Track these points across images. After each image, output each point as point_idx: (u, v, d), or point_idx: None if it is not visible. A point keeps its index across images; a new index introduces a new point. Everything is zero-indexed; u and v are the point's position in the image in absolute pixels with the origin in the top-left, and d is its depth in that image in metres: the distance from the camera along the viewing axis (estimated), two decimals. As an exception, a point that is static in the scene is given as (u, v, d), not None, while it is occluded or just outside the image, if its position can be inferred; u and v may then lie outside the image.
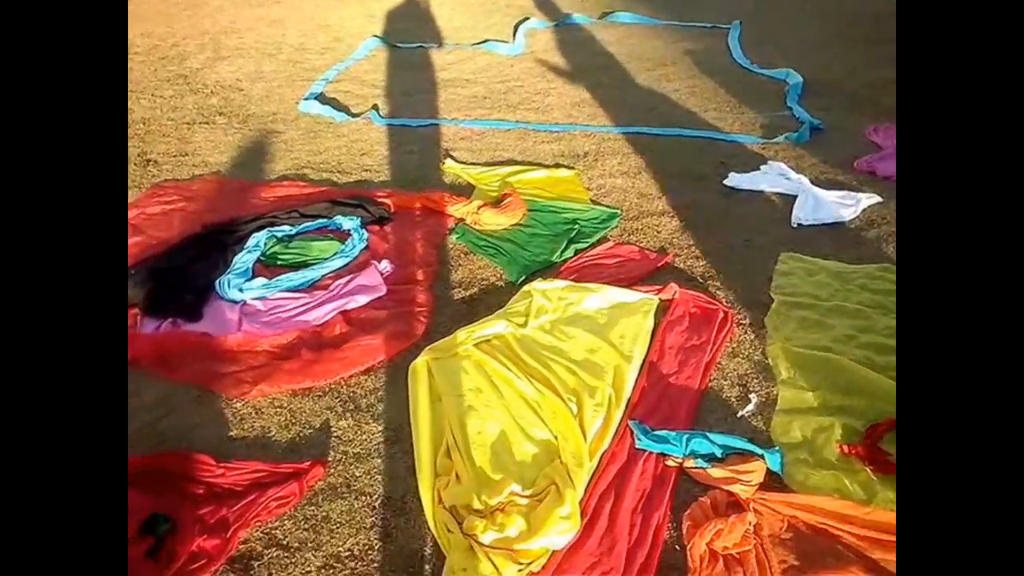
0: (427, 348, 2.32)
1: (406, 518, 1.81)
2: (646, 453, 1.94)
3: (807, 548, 1.68)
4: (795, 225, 3.12)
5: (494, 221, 3.13)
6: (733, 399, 2.17)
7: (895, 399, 2.08)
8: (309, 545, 1.75)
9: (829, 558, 1.65)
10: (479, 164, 3.70)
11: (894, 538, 1.68)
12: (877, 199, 3.26)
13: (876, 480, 1.85)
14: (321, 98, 4.55)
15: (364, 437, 2.06)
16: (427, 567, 1.69)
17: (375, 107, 4.38)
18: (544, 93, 4.62)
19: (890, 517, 1.73)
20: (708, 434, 1.97)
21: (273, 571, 1.69)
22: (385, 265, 2.82)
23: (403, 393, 2.19)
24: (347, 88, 4.76)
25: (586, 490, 1.84)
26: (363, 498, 1.87)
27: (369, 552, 1.73)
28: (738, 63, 5.09)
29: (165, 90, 4.70)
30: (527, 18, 6.12)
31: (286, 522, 1.81)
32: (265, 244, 2.94)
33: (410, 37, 5.75)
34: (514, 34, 5.74)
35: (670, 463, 1.91)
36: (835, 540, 1.70)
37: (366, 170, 3.69)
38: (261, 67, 5.13)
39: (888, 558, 1.65)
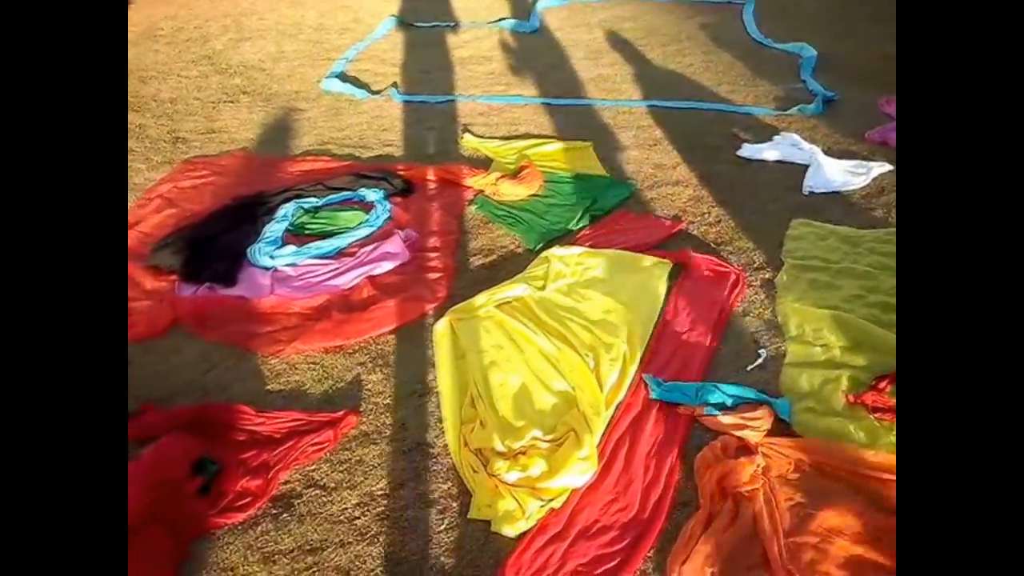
0: (450, 310, 2.44)
1: (435, 461, 1.94)
2: (660, 403, 2.05)
3: (812, 487, 1.78)
4: (807, 193, 3.19)
5: (512, 192, 3.23)
6: (744, 354, 2.27)
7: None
8: (345, 485, 1.88)
9: (833, 495, 1.75)
10: (497, 138, 3.80)
11: (894, 480, 1.78)
12: (888, 167, 3.31)
13: (880, 426, 1.95)
14: (342, 77, 4.65)
15: (393, 390, 2.19)
16: (455, 504, 1.82)
17: (395, 85, 4.48)
18: (559, 68, 4.69)
19: (891, 460, 1.83)
20: (719, 385, 2.07)
21: (313, 508, 1.82)
22: (408, 233, 2.94)
23: (429, 351, 2.32)
24: (367, 67, 4.86)
25: (603, 436, 1.95)
26: (394, 443, 1.99)
27: (401, 491, 1.85)
28: (752, 38, 5.13)
29: (190, 71, 4.83)
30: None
31: (323, 465, 1.94)
32: (293, 215, 3.07)
33: (427, 16, 5.83)
34: (530, 12, 5.80)
35: (682, 411, 2.02)
36: (839, 480, 1.80)
37: (387, 145, 3.79)
38: (282, 47, 5.24)
39: (890, 495, 1.75)
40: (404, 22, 5.69)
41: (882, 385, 2.07)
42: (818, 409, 2.02)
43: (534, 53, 4.99)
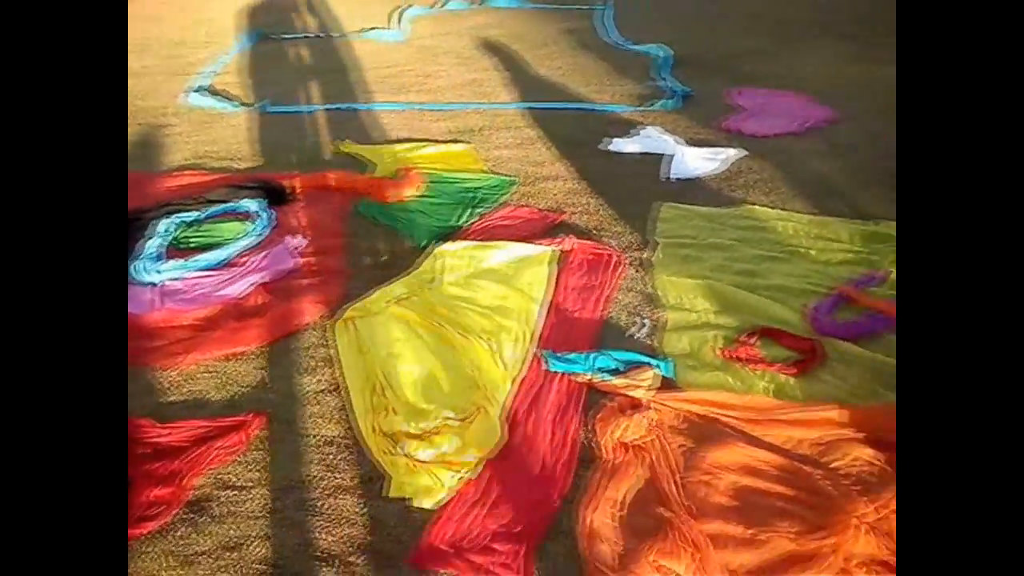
0: (347, 308, 2.49)
1: (348, 451, 1.98)
2: (557, 375, 2.19)
3: (699, 433, 1.97)
4: (672, 179, 3.45)
5: (395, 193, 3.30)
6: (628, 324, 2.46)
7: (761, 312, 2.44)
8: (260, 483, 1.89)
9: (717, 438, 1.95)
10: (375, 143, 3.85)
11: (769, 417, 2.01)
12: (742, 153, 3.65)
13: (752, 375, 2.18)
14: (209, 90, 4.55)
15: (297, 389, 2.21)
16: (372, 488, 1.87)
17: (265, 97, 4.44)
18: (432, 76, 4.80)
19: (764, 402, 2.07)
20: (609, 352, 2.24)
21: (230, 508, 1.82)
22: (297, 240, 2.94)
23: (330, 349, 2.35)
24: (234, 79, 4.78)
25: (508, 408, 2.07)
26: (304, 439, 2.02)
27: (317, 481, 1.89)
28: (612, 41, 5.45)
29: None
30: (410, 5, 6.27)
31: (235, 468, 1.94)
32: (175, 229, 3.00)
33: (293, 28, 5.79)
34: (398, 21, 5.88)
35: (578, 379, 2.17)
36: (721, 424, 2.01)
37: (263, 156, 3.76)
38: (143, 62, 5.05)
39: (766, 432, 1.97)
40: (269, 35, 5.63)
41: (750, 340, 2.31)
42: (697, 366, 2.23)
43: (405, 61, 5.08)
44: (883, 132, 3.81)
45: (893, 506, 1.73)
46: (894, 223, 2.95)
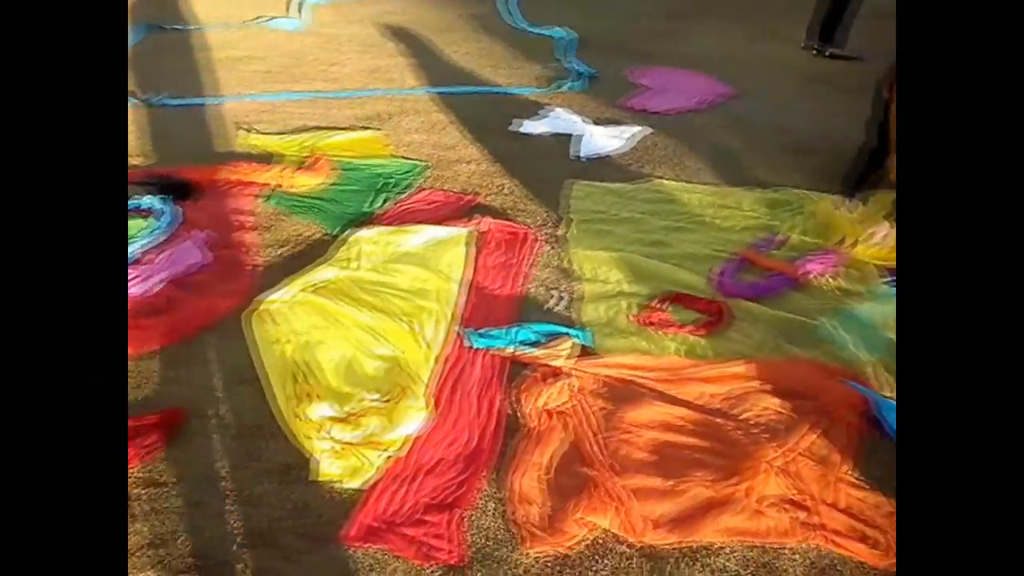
0: (260, 299, 2.45)
1: (271, 440, 1.97)
2: (480, 351, 2.23)
3: (617, 395, 2.05)
4: (581, 158, 3.54)
5: (305, 182, 3.25)
6: (546, 298, 2.52)
7: (670, 279, 2.56)
8: (185, 478, 1.85)
9: (634, 398, 2.03)
10: (281, 133, 3.78)
11: (681, 376, 2.11)
12: (647, 130, 3.77)
13: (664, 337, 2.28)
14: (100, 85, 4.34)
15: (214, 383, 2.17)
16: (298, 473, 1.86)
17: (161, 90, 4.27)
18: (337, 64, 4.73)
19: (677, 362, 2.17)
20: (528, 325, 2.30)
21: (155, 505, 1.78)
22: (204, 234, 2.87)
23: (244, 341, 2.31)
24: (128, 73, 4.57)
25: (432, 386, 2.09)
26: (227, 430, 1.99)
27: (242, 471, 1.87)
28: (515, 25, 5.49)
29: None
30: (307, -6, 6.13)
31: (157, 465, 1.89)
32: (71, 229, 2.87)
33: (185, 19, 5.57)
34: (298, 9, 5.75)
35: (501, 353, 2.21)
36: (637, 385, 2.09)
37: (164, 151, 3.63)
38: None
39: (680, 390, 2.07)
40: (160, 26, 5.40)
41: (661, 305, 2.41)
42: (612, 333, 2.31)
43: (307, 50, 4.98)
44: (779, 107, 4.01)
45: (798, 449, 1.86)
46: (791, 190, 3.12)
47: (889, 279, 2.54)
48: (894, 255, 2.65)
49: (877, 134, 2.85)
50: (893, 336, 2.28)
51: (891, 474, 1.81)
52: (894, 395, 2.06)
